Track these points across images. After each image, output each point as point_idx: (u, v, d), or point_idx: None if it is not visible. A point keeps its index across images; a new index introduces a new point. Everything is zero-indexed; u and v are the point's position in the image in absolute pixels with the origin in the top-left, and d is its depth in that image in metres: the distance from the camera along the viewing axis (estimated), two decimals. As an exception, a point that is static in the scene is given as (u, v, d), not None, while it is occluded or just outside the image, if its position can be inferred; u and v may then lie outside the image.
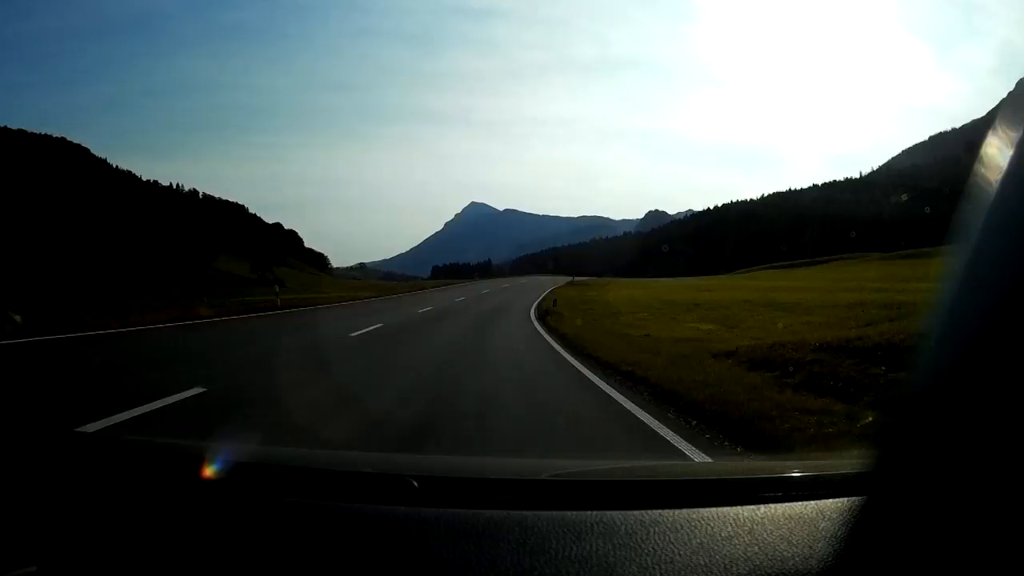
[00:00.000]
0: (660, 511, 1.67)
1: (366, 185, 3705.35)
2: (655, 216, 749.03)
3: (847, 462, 2.12)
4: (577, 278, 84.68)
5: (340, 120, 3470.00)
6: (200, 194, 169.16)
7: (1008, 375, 0.91)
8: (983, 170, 0.95)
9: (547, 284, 65.34)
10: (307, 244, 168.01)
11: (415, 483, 1.79)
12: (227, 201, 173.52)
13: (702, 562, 1.48)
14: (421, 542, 1.55)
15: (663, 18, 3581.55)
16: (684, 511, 1.67)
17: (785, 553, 1.52)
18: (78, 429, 4.62)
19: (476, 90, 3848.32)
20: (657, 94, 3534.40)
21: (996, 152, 0.94)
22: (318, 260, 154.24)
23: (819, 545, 1.53)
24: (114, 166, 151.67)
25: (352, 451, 4.62)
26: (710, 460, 6.03)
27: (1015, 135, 0.94)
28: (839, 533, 1.52)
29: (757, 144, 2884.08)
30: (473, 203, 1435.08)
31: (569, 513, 1.65)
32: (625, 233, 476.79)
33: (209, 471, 1.92)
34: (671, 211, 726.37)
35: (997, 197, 0.93)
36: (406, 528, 1.61)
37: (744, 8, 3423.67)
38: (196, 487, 1.85)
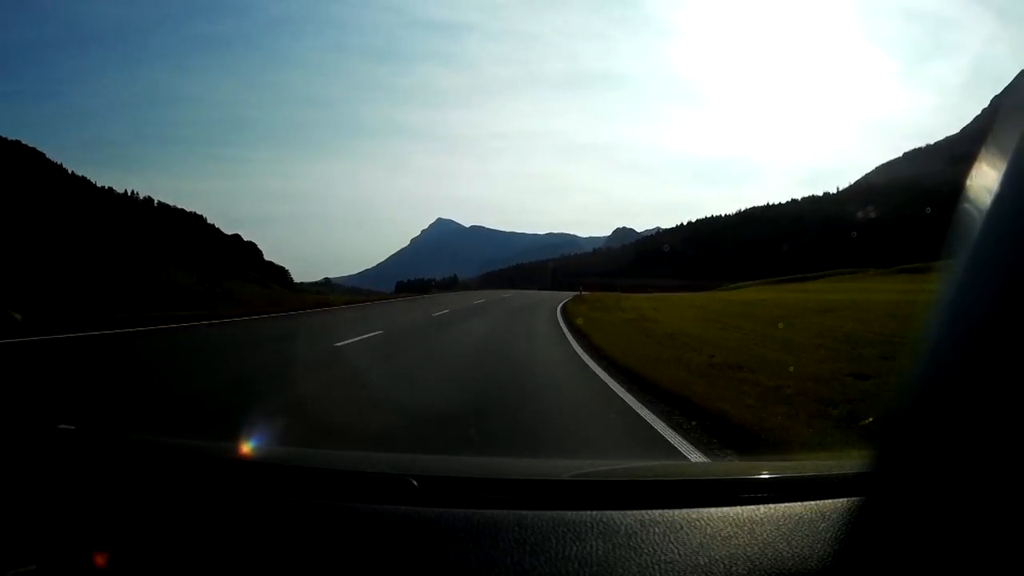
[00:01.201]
0: (660, 511, 1.69)
1: (334, 200, 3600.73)
2: (623, 233, 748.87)
3: (847, 462, 2.19)
4: (584, 291, 73.65)
5: (310, 135, 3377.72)
6: (155, 202, 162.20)
7: (1006, 377, 0.91)
8: (977, 186, 0.99)
9: (545, 301, 46.57)
10: (268, 257, 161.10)
11: (415, 483, 1.82)
12: (183, 211, 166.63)
13: (702, 562, 1.50)
14: (421, 541, 1.56)
15: (633, 34, 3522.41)
16: (684, 511, 1.70)
17: (785, 553, 1.54)
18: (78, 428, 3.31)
19: (446, 105, 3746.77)
20: (626, 110, 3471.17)
21: (988, 169, 0.98)
22: (279, 274, 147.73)
23: (819, 545, 1.56)
24: (70, 172, 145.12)
25: (352, 451, 4.73)
26: (710, 460, 6.04)
27: (1006, 153, 0.97)
28: (839, 533, 1.55)
29: (727, 161, 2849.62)
30: (440, 219, 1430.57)
31: (568, 513, 1.67)
32: (594, 250, 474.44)
33: (209, 470, 2.06)
34: (639, 228, 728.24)
35: (990, 213, 0.96)
36: (406, 527, 1.62)
37: (715, 25, 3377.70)
38: (196, 486, 1.88)
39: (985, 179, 0.99)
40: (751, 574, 1.48)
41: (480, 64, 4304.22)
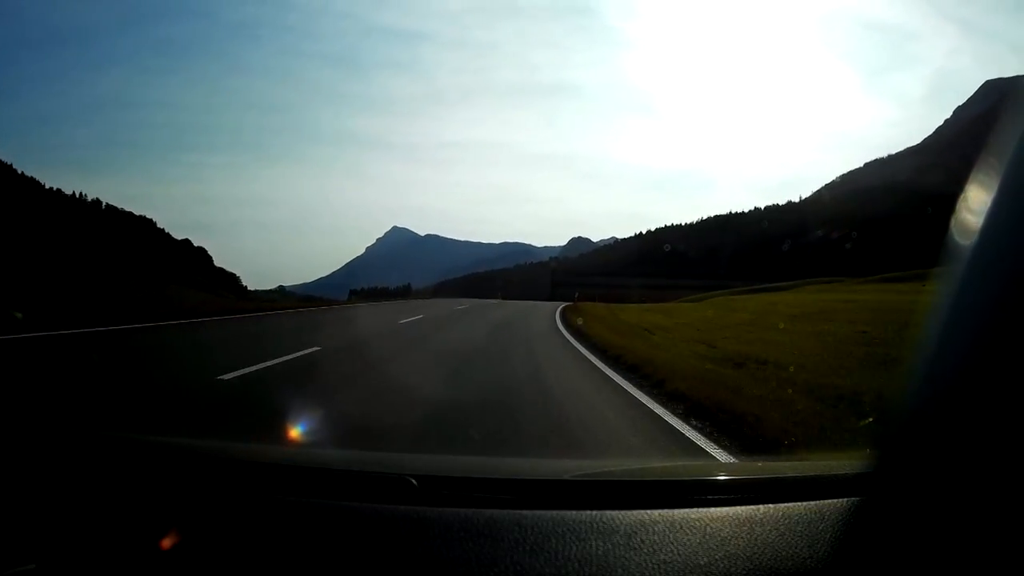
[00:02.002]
0: (660, 511, 1.71)
1: (290, 207, 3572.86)
2: (578, 243, 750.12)
3: (846, 463, 2.21)
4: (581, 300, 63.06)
5: (267, 141, 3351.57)
6: (103, 205, 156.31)
7: (1004, 379, 0.92)
8: (975, 192, 1.02)
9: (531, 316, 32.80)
10: (219, 264, 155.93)
11: (414, 482, 1.82)
12: (132, 214, 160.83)
13: (702, 562, 1.51)
14: (420, 541, 1.57)
15: (590, 44, 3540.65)
16: (684, 511, 1.72)
17: (785, 553, 1.55)
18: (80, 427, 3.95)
19: (402, 113, 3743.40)
20: (582, 120, 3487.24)
21: (987, 177, 1.01)
22: (229, 280, 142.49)
23: (819, 545, 1.57)
24: (19, 172, 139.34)
25: (352, 450, 4.72)
26: (709, 461, 5.90)
27: (1004, 161, 1.00)
28: (839, 533, 1.58)
29: (684, 172, 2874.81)
30: (395, 227, 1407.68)
31: (568, 513, 1.69)
32: (551, 258, 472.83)
33: (209, 471, 2.06)
34: (594, 238, 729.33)
35: (989, 218, 0.98)
36: (405, 527, 1.62)
37: (673, 36, 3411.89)
38: (196, 486, 1.87)
39: (983, 186, 1.01)
40: (751, 574, 1.50)
41: (437, 73, 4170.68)
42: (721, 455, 6.32)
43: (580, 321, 26.06)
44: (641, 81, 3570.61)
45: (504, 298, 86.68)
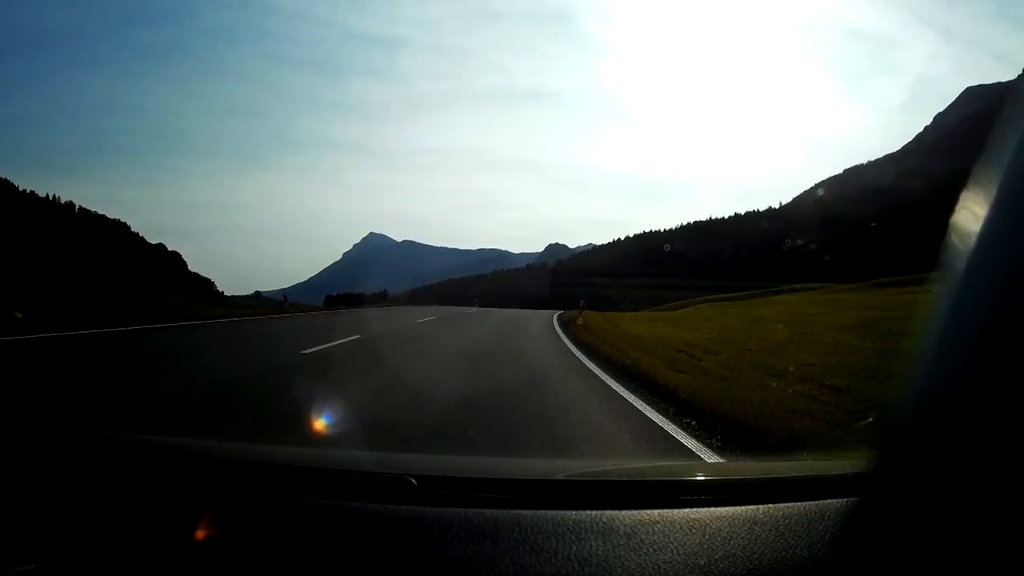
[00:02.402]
0: (660, 511, 1.72)
1: (267, 213, 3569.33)
2: (555, 249, 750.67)
3: (846, 463, 2.24)
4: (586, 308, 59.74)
5: (245, 146, 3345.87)
6: (76, 208, 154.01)
7: (1004, 379, 0.93)
8: (974, 196, 1.04)
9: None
10: (194, 268, 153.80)
11: (414, 482, 1.83)
12: (106, 218, 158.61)
13: (702, 562, 1.52)
14: (420, 541, 1.57)
15: (567, 50, 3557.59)
16: (684, 511, 1.72)
17: (785, 553, 1.56)
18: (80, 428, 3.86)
19: (379, 119, 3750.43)
20: (559, 127, 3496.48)
21: (985, 181, 1.03)
22: (204, 285, 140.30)
23: (819, 545, 1.58)
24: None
25: (352, 450, 4.79)
26: (710, 461, 5.92)
27: (1003, 165, 1.02)
28: (838, 533, 1.59)
29: (661, 179, 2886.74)
30: (372, 233, 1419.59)
31: (568, 513, 1.70)
32: (528, 265, 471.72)
33: (209, 471, 2.06)
34: (571, 244, 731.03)
35: (988, 221, 1.00)
36: (405, 527, 1.63)
37: (651, 43, 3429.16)
38: (196, 486, 1.88)
39: (982, 188, 1.03)
40: (751, 574, 1.50)
41: (414, 79, 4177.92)
42: None
43: (591, 339, 20.09)
44: (619, 88, 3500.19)
45: (482, 305, 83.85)
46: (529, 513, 1.66)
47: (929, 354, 1.06)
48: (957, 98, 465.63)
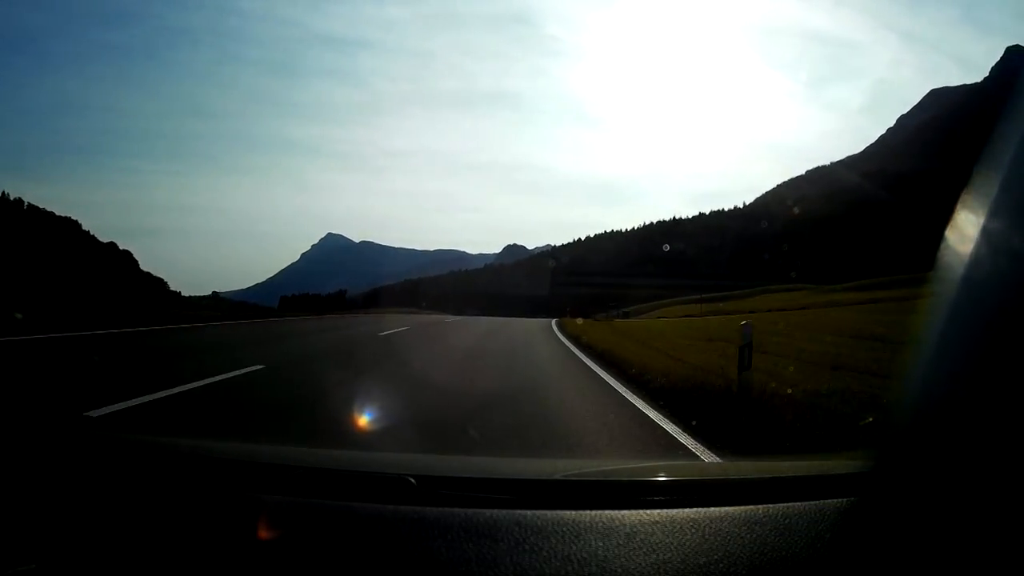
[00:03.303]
0: (659, 511, 1.72)
1: (226, 213, 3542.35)
2: (513, 250, 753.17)
3: (846, 463, 2.30)
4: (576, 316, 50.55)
5: (204, 147, 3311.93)
6: (25, 204, 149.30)
7: (1003, 379, 0.94)
8: (973, 197, 1.05)
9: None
10: (146, 268, 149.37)
11: (413, 482, 1.83)
12: (56, 215, 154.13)
13: (702, 562, 1.52)
14: (420, 541, 1.57)
15: (528, 54, 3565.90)
16: (683, 511, 1.72)
17: (785, 553, 1.56)
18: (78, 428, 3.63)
19: (338, 120, 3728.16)
20: (519, 129, 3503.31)
21: (985, 182, 1.04)
22: (156, 285, 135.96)
23: (818, 545, 1.58)
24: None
25: (351, 450, 4.74)
26: (710, 460, 5.86)
27: (1001, 168, 1.03)
28: (838, 533, 1.59)
29: (621, 181, 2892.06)
30: (330, 234, 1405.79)
31: (568, 513, 1.70)
32: (485, 265, 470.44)
33: (208, 471, 2.07)
34: (529, 245, 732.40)
35: (987, 221, 1.01)
36: (405, 527, 1.63)
37: (612, 46, 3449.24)
38: (196, 486, 1.89)
39: (981, 190, 1.04)
40: (751, 574, 1.50)
41: (374, 81, 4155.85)
42: None
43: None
44: (579, 90, 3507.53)
45: (461, 311, 79.18)
46: (529, 513, 1.67)
47: (928, 354, 1.06)
48: (922, 100, 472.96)
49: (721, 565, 1.49)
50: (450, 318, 51.98)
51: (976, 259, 1.01)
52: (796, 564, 1.52)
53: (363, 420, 7.07)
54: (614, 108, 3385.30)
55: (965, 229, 1.02)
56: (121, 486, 1.83)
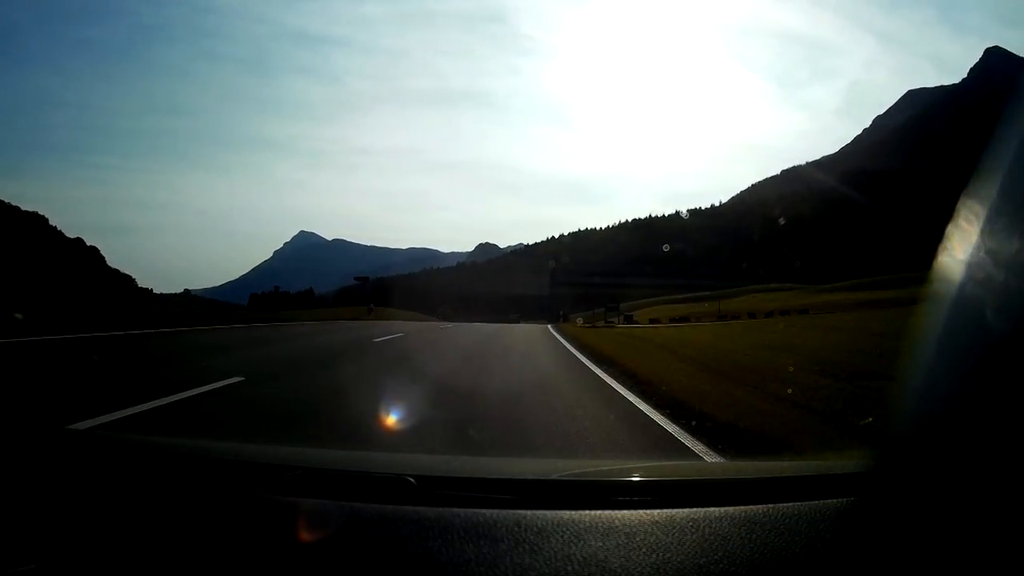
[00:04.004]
0: (659, 511, 1.72)
1: (199, 211, 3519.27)
2: (486, 248, 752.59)
3: (846, 463, 2.34)
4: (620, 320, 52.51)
5: (178, 144, 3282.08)
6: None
7: (1002, 380, 0.94)
8: (975, 196, 1.06)
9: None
10: (114, 264, 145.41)
11: (413, 482, 1.84)
12: (21, 210, 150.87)
13: (701, 562, 1.52)
14: (419, 541, 1.57)
15: (501, 52, 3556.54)
16: (683, 511, 1.72)
17: (785, 553, 1.56)
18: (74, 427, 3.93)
19: (311, 118, 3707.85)
20: (490, 128, 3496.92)
21: (987, 181, 1.05)
22: (124, 281, 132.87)
23: (818, 545, 1.58)
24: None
25: (351, 450, 4.65)
26: (710, 460, 5.82)
27: (1001, 168, 1.04)
28: (838, 533, 1.59)
29: (593, 180, 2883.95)
30: (303, 232, 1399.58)
31: (568, 513, 1.70)
32: (458, 263, 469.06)
33: (207, 471, 2.09)
34: (502, 244, 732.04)
35: (988, 221, 1.02)
36: (404, 527, 1.63)
37: (586, 46, 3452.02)
38: (195, 487, 1.90)
39: (981, 191, 1.05)
40: (751, 574, 1.51)
41: (347, 79, 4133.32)
42: None
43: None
44: (553, 89, 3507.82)
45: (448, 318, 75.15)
46: (529, 513, 1.67)
47: (928, 355, 1.07)
48: (898, 100, 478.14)
49: (721, 565, 1.50)
50: (447, 324, 47.90)
51: (976, 261, 1.01)
52: (796, 564, 1.52)
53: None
54: (588, 107, 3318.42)
55: (964, 231, 1.03)
56: (121, 486, 1.86)
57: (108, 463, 2.05)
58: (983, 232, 1.01)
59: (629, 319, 69.88)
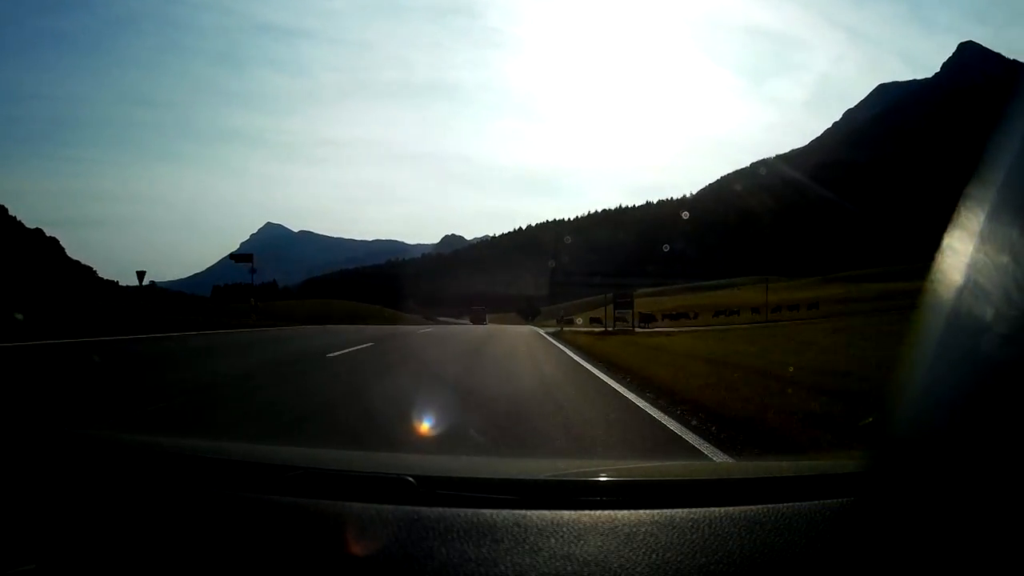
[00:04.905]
0: (659, 511, 1.72)
1: (165, 202, 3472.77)
2: (452, 240, 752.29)
3: (846, 463, 2.34)
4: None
5: (146, 136, 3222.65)
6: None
7: (1002, 379, 0.95)
8: (976, 193, 1.06)
9: None
10: (74, 256, 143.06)
11: (413, 482, 1.85)
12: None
13: (701, 562, 1.52)
14: (420, 541, 1.58)
15: (468, 44, 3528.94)
16: (684, 511, 1.72)
17: (785, 553, 1.57)
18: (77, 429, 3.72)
19: (279, 110, 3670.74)
20: (456, 120, 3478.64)
21: (989, 178, 1.05)
22: (84, 273, 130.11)
23: (818, 545, 1.59)
24: None
25: (351, 450, 4.63)
26: (710, 460, 5.66)
27: (1003, 167, 1.04)
28: (838, 533, 1.60)
29: (559, 172, 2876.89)
30: (269, 223, 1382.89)
31: (567, 513, 1.71)
32: (423, 255, 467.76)
33: (206, 471, 2.10)
34: (468, 236, 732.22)
35: (989, 217, 1.02)
36: (405, 527, 1.63)
37: (553, 39, 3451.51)
38: (194, 487, 1.92)
39: (980, 192, 1.05)
40: (751, 574, 1.51)
41: (315, 71, 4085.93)
42: None
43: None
44: (519, 83, 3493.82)
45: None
46: (529, 513, 1.68)
47: (927, 355, 1.07)
48: (869, 94, 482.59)
49: (721, 565, 1.50)
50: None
51: (976, 262, 1.01)
52: (796, 564, 1.53)
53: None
54: (554, 100, 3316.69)
55: (965, 232, 1.04)
56: (119, 487, 1.87)
57: (109, 464, 2.07)
58: (983, 233, 1.02)
59: (649, 320, 56.62)
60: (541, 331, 35.31)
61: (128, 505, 1.75)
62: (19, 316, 17.80)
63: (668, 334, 34.43)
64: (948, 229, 1.07)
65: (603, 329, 41.37)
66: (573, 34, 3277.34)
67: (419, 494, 1.77)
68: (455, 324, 70.60)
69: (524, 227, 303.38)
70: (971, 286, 1.01)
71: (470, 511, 1.67)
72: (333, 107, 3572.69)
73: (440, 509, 1.68)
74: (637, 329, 41.20)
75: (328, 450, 3.92)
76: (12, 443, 2.11)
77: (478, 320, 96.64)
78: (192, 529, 1.65)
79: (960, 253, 1.03)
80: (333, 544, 1.58)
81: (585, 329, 35.19)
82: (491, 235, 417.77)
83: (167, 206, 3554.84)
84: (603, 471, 2.55)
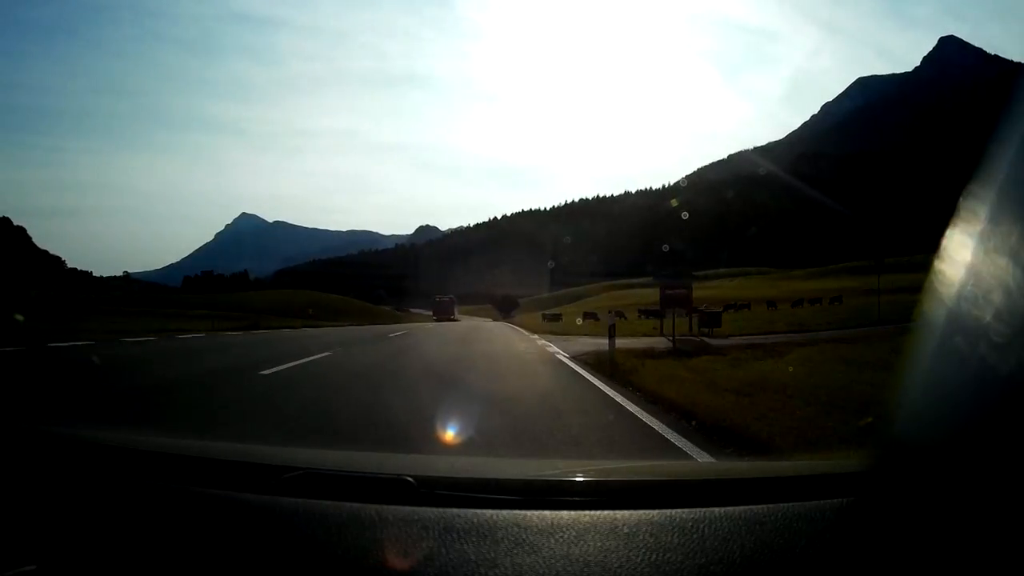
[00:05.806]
0: (659, 511, 1.72)
1: (140, 193, 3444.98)
2: (426, 231, 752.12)
3: (845, 463, 2.33)
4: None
5: (121, 126, 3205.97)
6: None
7: (1002, 379, 0.94)
8: (977, 189, 1.06)
9: None
10: (42, 246, 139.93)
11: (413, 482, 1.85)
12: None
13: (701, 562, 1.52)
14: (419, 542, 1.58)
15: (443, 34, 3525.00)
16: (683, 511, 1.72)
17: (784, 553, 1.57)
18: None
19: (253, 100, 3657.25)
20: (431, 110, 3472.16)
21: (992, 172, 1.05)
22: (52, 263, 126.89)
23: (818, 545, 1.58)
24: None
25: (351, 451, 4.52)
26: (710, 460, 5.64)
27: (1004, 166, 1.04)
28: (838, 533, 1.60)
29: (535, 164, 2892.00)
30: (244, 214, 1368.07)
31: (567, 513, 1.72)
32: (397, 245, 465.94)
33: (205, 471, 2.10)
34: (442, 227, 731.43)
35: (991, 214, 1.02)
36: (404, 527, 1.64)
37: (529, 31, 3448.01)
38: (195, 487, 1.91)
39: (980, 192, 1.05)
40: (751, 574, 1.51)
41: (289, 61, 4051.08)
42: None
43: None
44: (495, 73, 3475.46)
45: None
46: (529, 513, 1.69)
47: (927, 354, 1.08)
48: (848, 87, 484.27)
49: (721, 565, 1.50)
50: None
51: (976, 263, 1.02)
52: (796, 564, 1.53)
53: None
54: (529, 92, 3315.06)
55: (965, 231, 1.04)
56: (118, 487, 1.88)
57: (106, 464, 2.08)
58: (982, 233, 1.02)
59: (713, 322, 27.67)
60: (539, 340, 25.14)
61: (127, 505, 1.75)
62: (19, 317, 16.97)
63: (772, 350, 16.59)
64: (950, 227, 1.06)
65: (656, 334, 26.06)
66: (548, 25, 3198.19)
67: (419, 494, 1.78)
68: (426, 321, 65.81)
69: (499, 216, 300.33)
70: (971, 286, 1.01)
71: (470, 511, 1.67)
72: (308, 97, 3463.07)
73: (440, 509, 1.69)
74: (705, 339, 23.90)
75: (327, 450, 3.85)
76: (13, 444, 2.11)
77: (444, 314, 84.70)
78: (191, 529, 1.65)
79: (960, 252, 1.03)
80: (333, 545, 1.58)
81: (599, 339, 20.73)
82: (464, 225, 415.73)
83: (142, 196, 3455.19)
84: (603, 471, 2.58)
